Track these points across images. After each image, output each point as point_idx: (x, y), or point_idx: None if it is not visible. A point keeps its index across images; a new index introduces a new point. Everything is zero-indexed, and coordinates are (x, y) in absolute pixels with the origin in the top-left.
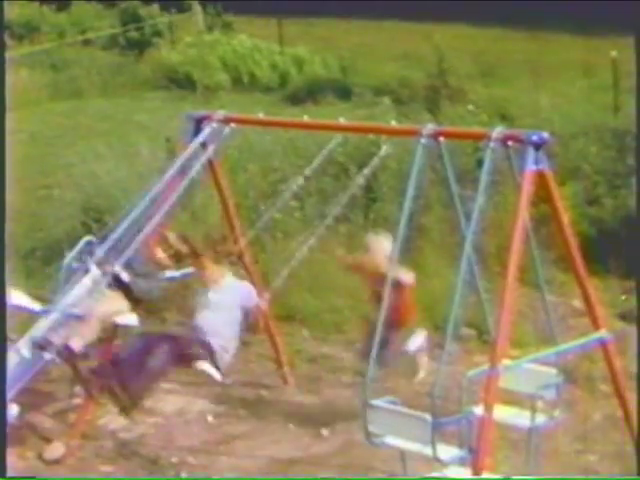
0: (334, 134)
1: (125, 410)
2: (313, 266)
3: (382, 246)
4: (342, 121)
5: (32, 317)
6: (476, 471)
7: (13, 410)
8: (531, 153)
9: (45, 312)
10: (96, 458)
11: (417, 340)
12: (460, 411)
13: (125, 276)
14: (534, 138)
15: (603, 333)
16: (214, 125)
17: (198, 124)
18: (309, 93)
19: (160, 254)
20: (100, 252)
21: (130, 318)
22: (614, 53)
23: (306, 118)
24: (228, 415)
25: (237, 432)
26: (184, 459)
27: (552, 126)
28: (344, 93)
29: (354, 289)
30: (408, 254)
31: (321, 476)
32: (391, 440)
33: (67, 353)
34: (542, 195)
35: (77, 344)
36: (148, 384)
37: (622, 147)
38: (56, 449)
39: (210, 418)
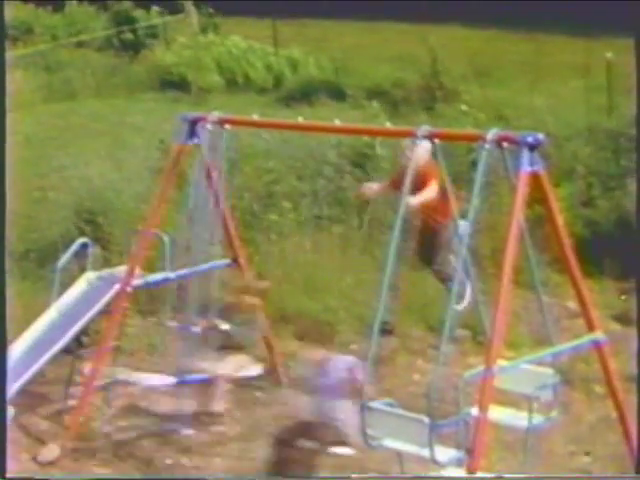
0: (329, 135)
1: None
2: (307, 267)
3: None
4: (337, 122)
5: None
6: (471, 472)
7: (9, 412)
8: (526, 154)
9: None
10: (91, 460)
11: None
12: (457, 413)
13: (224, 326)
14: (529, 139)
15: (598, 335)
16: (209, 126)
17: (193, 125)
18: (303, 94)
19: (248, 300)
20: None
21: (254, 369)
22: (609, 55)
23: (301, 119)
24: (223, 417)
25: (232, 433)
26: (178, 460)
27: (546, 127)
28: (338, 94)
29: (349, 290)
30: (403, 255)
31: (316, 477)
32: (389, 442)
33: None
34: (537, 196)
35: (220, 407)
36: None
37: (617, 148)
38: (51, 451)
39: (205, 420)
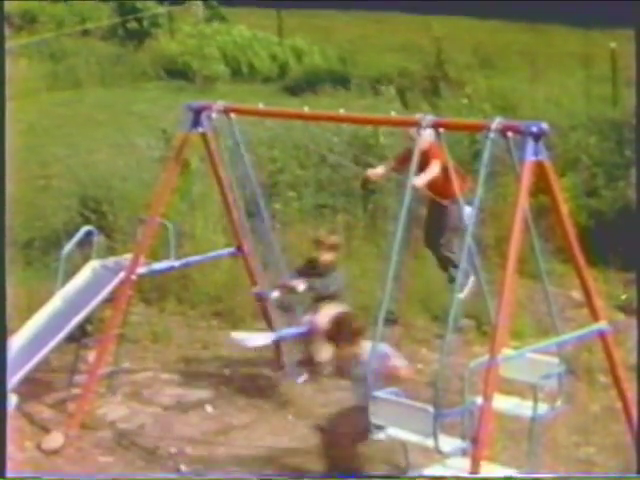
0: (333, 125)
1: None
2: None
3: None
4: (342, 112)
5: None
6: (475, 461)
7: (12, 400)
8: (530, 144)
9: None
10: (95, 448)
11: None
12: (462, 402)
13: (301, 286)
14: (533, 129)
15: (602, 324)
16: (213, 115)
17: (197, 114)
18: (308, 84)
19: (324, 257)
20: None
21: None
22: (613, 45)
23: (306, 109)
24: (227, 406)
25: (236, 423)
26: (183, 449)
27: (551, 117)
28: (343, 84)
29: (353, 279)
30: (407, 245)
31: (320, 467)
32: (393, 432)
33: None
34: (541, 186)
35: (324, 356)
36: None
37: (621, 139)
38: (55, 439)
39: (209, 408)
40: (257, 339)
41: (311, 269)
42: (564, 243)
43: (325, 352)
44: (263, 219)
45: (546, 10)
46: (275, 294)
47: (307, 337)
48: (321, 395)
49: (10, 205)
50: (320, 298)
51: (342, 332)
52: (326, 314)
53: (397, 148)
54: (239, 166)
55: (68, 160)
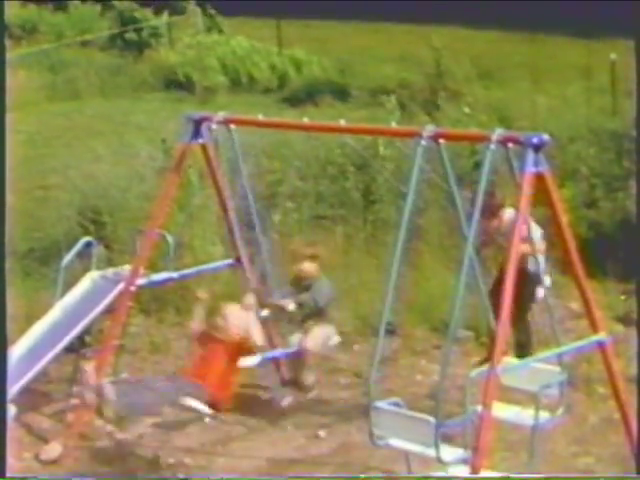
0: (333, 136)
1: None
2: None
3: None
4: (342, 123)
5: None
6: (475, 470)
7: (11, 411)
8: (530, 155)
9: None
10: (93, 459)
11: None
12: (463, 412)
13: (291, 306)
14: (534, 140)
15: (601, 335)
16: (213, 126)
17: (197, 125)
18: (308, 94)
19: (305, 268)
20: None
21: (335, 339)
22: (613, 56)
23: (305, 120)
24: (225, 416)
25: (234, 433)
26: (181, 460)
27: (550, 129)
28: (343, 95)
29: (352, 290)
30: (406, 256)
31: (318, 477)
32: (395, 442)
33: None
34: (541, 197)
35: (310, 379)
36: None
37: (620, 150)
38: (53, 449)
39: (207, 419)
40: (244, 360)
41: (298, 284)
42: (563, 254)
43: (312, 375)
44: (262, 231)
45: (545, 21)
46: (264, 313)
47: (295, 358)
48: (321, 405)
49: (9, 215)
50: (311, 314)
51: None
52: (314, 336)
53: (397, 159)
54: (238, 177)
55: (67, 171)
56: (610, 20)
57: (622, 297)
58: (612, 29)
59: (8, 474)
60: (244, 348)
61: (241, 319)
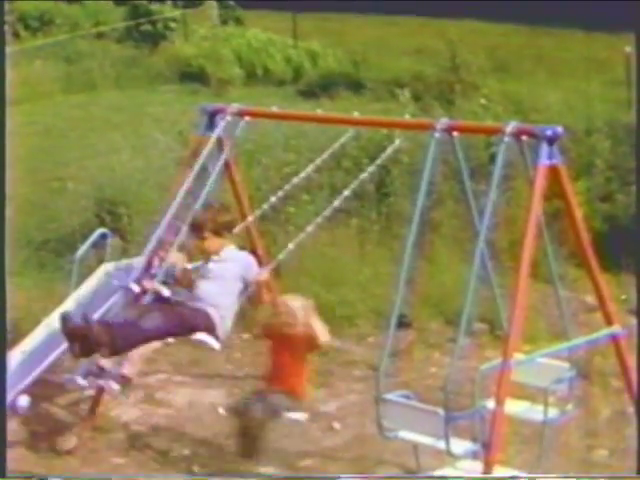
0: (348, 128)
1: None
2: (325, 260)
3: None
4: (356, 115)
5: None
6: (488, 465)
7: (24, 401)
8: (545, 148)
9: None
10: (108, 450)
11: None
12: (473, 405)
13: (166, 291)
14: (548, 133)
15: (615, 328)
16: (228, 118)
17: (212, 117)
18: (323, 87)
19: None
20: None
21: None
22: (628, 49)
23: (320, 112)
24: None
25: None
26: (196, 451)
27: (565, 121)
28: (358, 87)
29: (366, 283)
30: (421, 249)
31: (332, 469)
32: (404, 434)
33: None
34: (555, 190)
35: (130, 370)
36: (137, 340)
37: (635, 143)
38: (68, 440)
39: (221, 410)
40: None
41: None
42: (577, 247)
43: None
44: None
45: (561, 14)
46: (135, 289)
47: None
48: (333, 399)
49: (25, 207)
50: None
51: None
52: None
53: (412, 151)
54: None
55: (83, 162)
56: (614, 15)
57: (623, 297)
58: (615, 24)
59: (22, 469)
60: (310, 342)
61: (302, 312)
